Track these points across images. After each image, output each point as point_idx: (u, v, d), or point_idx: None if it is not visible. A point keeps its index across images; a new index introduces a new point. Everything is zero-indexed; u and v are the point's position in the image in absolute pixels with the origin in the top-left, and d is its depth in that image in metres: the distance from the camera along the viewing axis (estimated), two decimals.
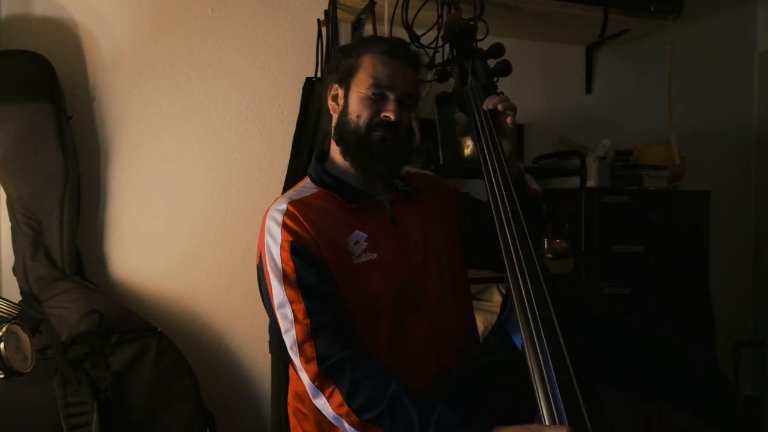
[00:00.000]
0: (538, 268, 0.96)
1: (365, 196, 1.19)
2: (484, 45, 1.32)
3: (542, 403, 0.85)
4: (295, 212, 1.11)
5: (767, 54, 2.67)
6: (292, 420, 1.21)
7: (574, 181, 2.02)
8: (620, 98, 2.46)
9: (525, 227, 1.01)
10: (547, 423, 0.84)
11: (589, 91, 2.41)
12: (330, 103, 1.23)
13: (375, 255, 1.13)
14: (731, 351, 2.60)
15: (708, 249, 2.21)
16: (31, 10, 1.72)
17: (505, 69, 1.20)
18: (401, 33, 1.79)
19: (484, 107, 1.17)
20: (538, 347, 0.88)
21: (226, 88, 1.91)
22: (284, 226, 1.10)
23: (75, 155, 1.67)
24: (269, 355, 1.77)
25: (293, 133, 1.87)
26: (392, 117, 1.15)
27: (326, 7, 1.94)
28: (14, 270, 1.65)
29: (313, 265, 1.08)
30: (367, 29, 2.03)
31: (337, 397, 0.98)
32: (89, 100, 1.78)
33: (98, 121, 1.79)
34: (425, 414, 0.93)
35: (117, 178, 1.81)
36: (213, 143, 1.90)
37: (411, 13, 1.77)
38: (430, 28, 1.78)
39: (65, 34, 1.75)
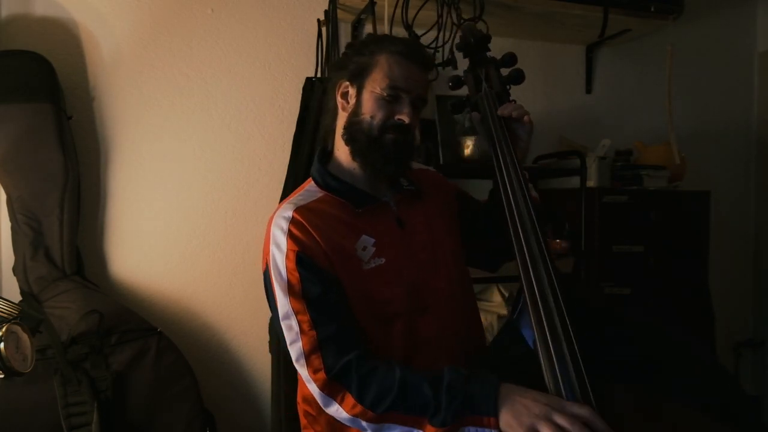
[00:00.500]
0: (551, 266, 0.97)
1: (372, 199, 1.18)
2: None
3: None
4: (301, 220, 1.09)
5: (767, 54, 2.67)
6: (303, 421, 1.21)
7: (574, 181, 2.02)
8: (620, 98, 2.46)
9: (537, 227, 1.02)
10: None
11: (589, 91, 2.42)
12: (339, 100, 1.21)
13: (383, 260, 1.12)
14: (731, 351, 2.60)
15: (708, 249, 2.21)
16: (31, 10, 1.72)
17: (518, 77, 1.22)
18: (401, 33, 1.79)
19: (500, 113, 1.17)
20: (550, 343, 0.89)
21: (226, 88, 1.91)
22: (290, 235, 1.08)
23: (75, 155, 1.67)
24: (269, 355, 1.77)
25: (293, 133, 1.87)
26: (407, 120, 1.14)
27: (326, 7, 1.94)
28: (14, 270, 1.65)
29: (318, 276, 1.06)
30: (367, 29, 2.03)
31: (349, 399, 0.98)
32: (89, 100, 1.78)
33: (98, 121, 1.79)
34: (435, 383, 0.94)
35: (117, 178, 1.81)
36: (213, 143, 1.90)
37: (411, 13, 1.77)
38: (430, 28, 1.78)
39: (65, 34, 1.75)
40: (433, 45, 1.76)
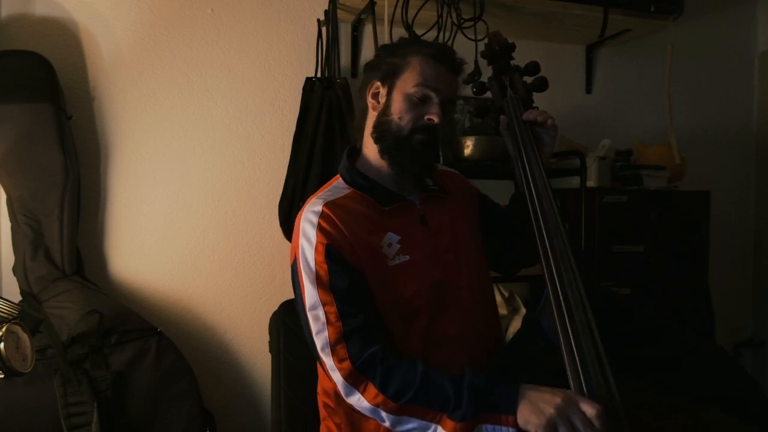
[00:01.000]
0: (574, 265, 1.00)
1: (398, 197, 1.22)
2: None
3: (575, 390, 0.89)
4: (331, 215, 1.12)
5: (767, 54, 2.68)
6: (322, 412, 1.24)
7: (574, 181, 2.02)
8: (620, 98, 2.46)
9: (561, 226, 1.06)
10: None
11: (589, 91, 2.42)
12: (370, 100, 1.25)
13: (408, 257, 1.16)
14: (731, 351, 2.60)
15: (708, 249, 2.21)
16: (31, 10, 1.72)
17: (542, 85, 1.28)
18: (401, 33, 1.79)
19: (525, 118, 1.22)
20: (572, 340, 0.92)
21: (226, 88, 1.91)
22: (320, 229, 1.11)
23: (75, 155, 1.66)
24: (269, 355, 1.77)
25: (293, 133, 1.87)
26: (436, 120, 1.18)
27: (326, 7, 1.94)
28: (14, 270, 1.65)
29: (346, 269, 1.09)
30: (368, 29, 2.03)
31: (372, 389, 1.00)
32: (89, 100, 1.78)
33: (98, 121, 1.79)
34: (456, 381, 0.96)
35: (117, 178, 1.81)
36: (213, 143, 1.90)
37: (411, 13, 1.77)
38: (430, 28, 1.78)
39: (65, 34, 1.75)
40: None
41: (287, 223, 1.82)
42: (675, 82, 2.23)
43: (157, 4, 1.84)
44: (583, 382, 0.88)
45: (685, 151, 2.24)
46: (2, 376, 1.15)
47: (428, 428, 0.97)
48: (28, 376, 1.22)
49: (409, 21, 1.77)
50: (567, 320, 0.93)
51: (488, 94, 1.35)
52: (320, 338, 1.06)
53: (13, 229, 1.65)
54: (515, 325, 1.92)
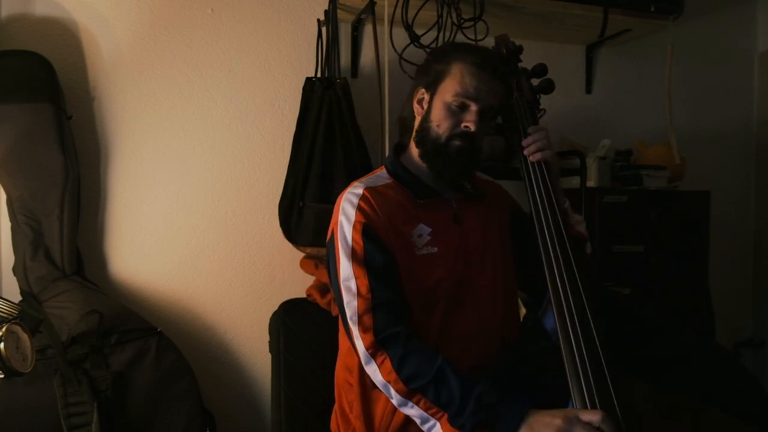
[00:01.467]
0: (576, 272, 1.04)
1: (434, 193, 1.28)
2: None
3: (575, 393, 0.92)
4: (370, 198, 1.21)
5: (767, 54, 2.67)
6: (338, 391, 1.30)
7: (574, 181, 2.02)
8: (620, 98, 2.46)
9: (563, 230, 1.11)
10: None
11: (589, 91, 2.41)
12: (415, 105, 1.31)
13: (436, 249, 1.21)
14: (731, 351, 2.60)
15: (708, 249, 2.21)
16: (31, 10, 1.72)
17: (549, 87, 1.33)
18: (401, 33, 1.79)
19: (524, 144, 1.28)
20: (573, 340, 0.94)
21: (226, 88, 1.91)
22: (359, 209, 1.19)
23: (75, 155, 1.66)
24: (269, 355, 1.77)
25: (293, 133, 1.87)
26: (472, 128, 1.21)
27: (326, 7, 1.94)
28: (14, 270, 1.65)
29: (380, 249, 1.16)
30: (367, 29, 2.03)
31: (388, 365, 1.06)
32: (89, 100, 1.78)
33: (98, 121, 1.79)
34: (467, 388, 1.00)
35: (117, 178, 1.81)
36: (213, 143, 1.90)
37: (411, 13, 1.77)
38: (430, 28, 1.78)
39: (65, 34, 1.75)
40: (433, 45, 1.75)
41: (287, 223, 1.81)
42: (675, 82, 2.23)
43: (157, 4, 1.84)
44: (582, 382, 0.89)
45: (685, 151, 2.24)
46: (2, 376, 1.15)
47: (428, 421, 1.02)
48: (28, 376, 1.22)
49: (409, 21, 1.77)
50: (567, 321, 0.94)
51: None
52: (350, 308, 1.13)
53: (13, 229, 1.65)
54: None
